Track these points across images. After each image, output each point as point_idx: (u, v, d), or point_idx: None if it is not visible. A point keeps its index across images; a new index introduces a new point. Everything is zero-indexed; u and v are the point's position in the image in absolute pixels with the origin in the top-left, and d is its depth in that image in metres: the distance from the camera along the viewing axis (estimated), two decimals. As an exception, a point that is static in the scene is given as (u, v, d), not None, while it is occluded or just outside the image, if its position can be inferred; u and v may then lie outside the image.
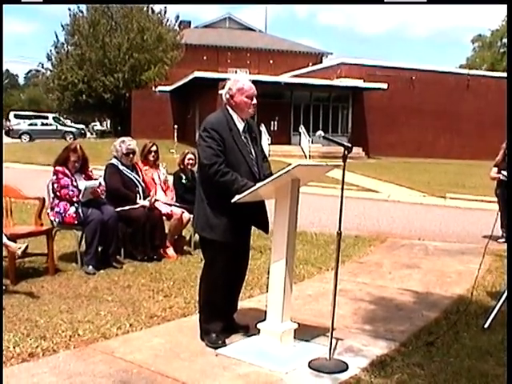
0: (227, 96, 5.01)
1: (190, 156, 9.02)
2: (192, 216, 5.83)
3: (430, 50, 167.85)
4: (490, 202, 11.17)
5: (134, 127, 39.68)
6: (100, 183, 7.83)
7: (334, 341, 4.77)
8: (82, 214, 7.51)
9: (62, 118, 54.89)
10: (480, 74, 44.63)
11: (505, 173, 10.04)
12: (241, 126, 5.00)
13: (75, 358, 4.66)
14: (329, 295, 5.02)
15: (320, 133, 5.22)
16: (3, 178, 7.58)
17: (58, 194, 7.59)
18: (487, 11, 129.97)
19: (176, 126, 33.07)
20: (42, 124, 49.74)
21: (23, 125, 48.99)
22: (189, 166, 9.03)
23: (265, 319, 4.93)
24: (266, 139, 31.58)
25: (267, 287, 5.08)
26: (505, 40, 68.42)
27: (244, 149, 4.95)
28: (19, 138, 45.45)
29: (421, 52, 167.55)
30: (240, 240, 5.00)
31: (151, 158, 8.89)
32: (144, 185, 8.48)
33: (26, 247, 6.30)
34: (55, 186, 7.59)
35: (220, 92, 5.25)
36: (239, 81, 5.02)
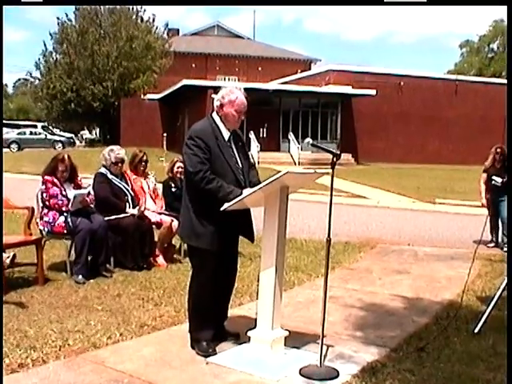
0: (217, 104, 5.02)
1: (179, 164, 8.98)
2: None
3: (417, 55, 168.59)
4: (480, 206, 11.20)
5: (123, 135, 39.65)
6: (89, 192, 7.81)
7: (324, 348, 4.76)
8: (71, 224, 7.48)
9: (50, 127, 54.66)
10: (468, 79, 44.91)
11: (496, 178, 10.10)
12: (227, 134, 5.01)
13: (65, 368, 4.64)
14: (319, 302, 5.02)
15: (308, 140, 5.25)
16: (3, 188, 7.58)
17: (47, 203, 7.56)
18: (474, 17, 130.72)
19: (165, 134, 33.07)
20: (31, 133, 49.45)
21: (12, 134, 48.67)
22: (178, 175, 9.00)
23: (255, 327, 4.93)
24: (255, 146, 31.65)
25: (257, 295, 5.08)
26: (492, 45, 68.97)
27: (230, 157, 4.96)
28: (8, 147, 45.14)
29: (408, 58, 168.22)
30: (227, 248, 5.00)
31: (141, 168, 8.87)
32: (133, 193, 8.45)
33: (14, 256, 6.28)
34: (44, 195, 7.56)
35: (213, 96, 5.27)
36: (233, 93, 5.01)
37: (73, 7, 46.51)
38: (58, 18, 46.86)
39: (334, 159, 4.67)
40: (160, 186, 9.20)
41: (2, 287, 6.22)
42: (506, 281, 5.89)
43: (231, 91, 5.04)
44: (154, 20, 48.84)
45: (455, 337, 5.52)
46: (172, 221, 8.40)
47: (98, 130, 56.95)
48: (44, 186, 7.58)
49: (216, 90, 5.19)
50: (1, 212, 7.22)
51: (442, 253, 10.04)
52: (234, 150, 5.05)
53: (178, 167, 9.02)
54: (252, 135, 32.32)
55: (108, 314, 6.04)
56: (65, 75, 45.32)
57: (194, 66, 53.38)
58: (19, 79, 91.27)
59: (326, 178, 4.98)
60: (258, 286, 5.08)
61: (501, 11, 64.76)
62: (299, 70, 49.77)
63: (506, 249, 10.14)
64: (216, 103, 5.04)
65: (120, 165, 8.39)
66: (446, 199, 18.20)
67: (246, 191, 4.71)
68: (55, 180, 7.58)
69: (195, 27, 65.77)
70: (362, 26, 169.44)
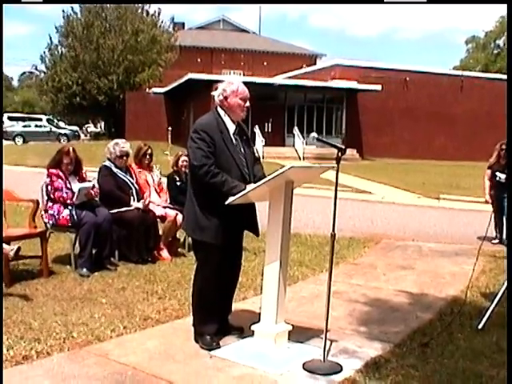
0: (221, 97, 5.02)
1: (183, 158, 8.97)
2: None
3: (423, 51, 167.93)
4: (484, 203, 11.19)
5: (128, 129, 39.64)
6: (94, 185, 7.82)
7: (328, 342, 4.77)
8: (75, 217, 7.49)
9: (55, 120, 54.74)
10: (474, 75, 44.71)
11: (500, 174, 10.14)
12: (232, 128, 5.02)
13: (69, 360, 4.65)
14: (323, 297, 5.02)
15: (313, 135, 5.24)
16: (3, 181, 7.58)
17: (51, 196, 7.57)
18: (481, 12, 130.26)
19: (170, 128, 33.06)
20: (36, 126, 49.43)
21: (17, 127, 48.74)
22: (183, 168, 9.00)
23: (259, 321, 4.93)
24: (260, 141, 31.60)
25: (261, 289, 5.08)
26: (498, 41, 68.74)
27: (234, 151, 4.96)
28: (13, 140, 45.19)
29: (414, 54, 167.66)
30: (231, 241, 5.01)
31: (146, 162, 8.88)
32: (138, 187, 8.46)
33: (18, 249, 6.29)
34: (49, 188, 7.57)
35: (212, 94, 5.30)
36: (233, 83, 5.05)
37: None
38: (63, 12, 46.96)
39: (339, 154, 4.65)
40: (165, 180, 9.20)
41: (1, 280, 6.24)
42: (506, 283, 5.88)
43: (230, 82, 5.07)
44: (159, 14, 48.83)
45: (459, 333, 5.52)
46: (177, 214, 8.40)
47: (102, 124, 57.03)
48: (49, 179, 7.58)
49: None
50: (0, 205, 7.23)
51: (447, 249, 10.03)
52: (239, 143, 5.05)
53: (182, 161, 9.02)
54: (257, 130, 32.27)
55: (112, 307, 6.05)
56: (70, 68, 45.34)
57: (199, 60, 53.38)
58: (24, 72, 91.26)
59: (331, 172, 4.98)
60: (262, 280, 5.08)
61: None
62: (305, 65, 49.68)
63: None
64: (219, 98, 5.03)
65: (125, 158, 8.40)
66: (450, 195, 18.18)
67: (251, 186, 4.72)
68: (60, 173, 7.59)
69: (201, 21, 65.81)
70: (368, 21, 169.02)
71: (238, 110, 5.00)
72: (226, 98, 4.99)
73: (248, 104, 5.07)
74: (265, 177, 4.81)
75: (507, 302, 5.60)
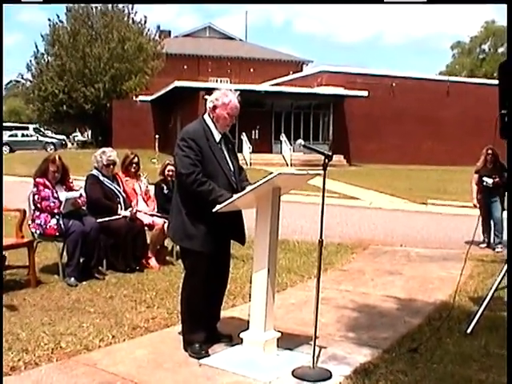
0: (210, 105, 5.04)
1: (169, 168, 8.97)
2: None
3: (408, 57, 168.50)
4: (472, 207, 11.24)
5: (115, 137, 39.58)
6: (81, 194, 7.79)
7: (317, 349, 4.77)
8: (63, 226, 7.46)
9: (42, 129, 54.53)
10: (460, 80, 45.01)
11: (486, 179, 10.20)
12: (218, 136, 5.03)
13: (58, 370, 4.62)
14: (312, 303, 5.02)
15: (300, 141, 5.25)
16: (3, 191, 7.54)
17: (38, 205, 7.54)
18: (466, 18, 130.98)
19: (157, 136, 33.05)
20: (23, 135, 49.29)
21: (3, 136, 48.60)
22: (169, 178, 9.00)
23: (248, 328, 4.92)
24: (247, 148, 31.65)
25: (250, 296, 5.08)
26: (483, 46, 69.20)
27: (221, 159, 4.98)
28: (-1, 149, 45.12)
29: (400, 59, 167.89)
30: (219, 249, 5.01)
31: (132, 170, 8.86)
32: (125, 195, 8.44)
33: (4, 258, 6.26)
34: (36, 197, 7.54)
35: (206, 97, 5.32)
36: (227, 96, 5.04)
37: (64, 9, 46.59)
38: (49, 20, 46.93)
39: (326, 160, 4.67)
40: (152, 188, 9.19)
41: (1, 287, 6.21)
42: (506, 266, 5.87)
43: (225, 94, 5.06)
44: (145, 22, 48.89)
45: (448, 337, 5.53)
46: (164, 223, 8.36)
47: (89, 132, 56.91)
48: (36, 189, 7.55)
49: (208, 91, 5.21)
50: (1, 213, 7.21)
51: (435, 254, 10.06)
52: (225, 151, 5.07)
53: (168, 170, 9.03)
54: (244, 137, 32.31)
55: (100, 316, 6.03)
56: (56, 77, 45.28)
57: (185, 67, 53.38)
58: (11, 81, 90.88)
59: (318, 179, 4.98)
60: (250, 287, 5.08)
61: (492, 12, 65.00)
62: (291, 72, 49.77)
63: (497, 249, 10.20)
64: (209, 104, 5.06)
65: (112, 167, 8.38)
66: (438, 200, 18.22)
67: (238, 194, 4.72)
68: (47, 182, 7.55)
69: (187, 29, 65.96)
70: (353, 27, 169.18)
71: (222, 122, 5.03)
72: (214, 107, 5.01)
73: (234, 120, 5.10)
74: (250, 185, 4.82)
75: (507, 302, 5.60)
